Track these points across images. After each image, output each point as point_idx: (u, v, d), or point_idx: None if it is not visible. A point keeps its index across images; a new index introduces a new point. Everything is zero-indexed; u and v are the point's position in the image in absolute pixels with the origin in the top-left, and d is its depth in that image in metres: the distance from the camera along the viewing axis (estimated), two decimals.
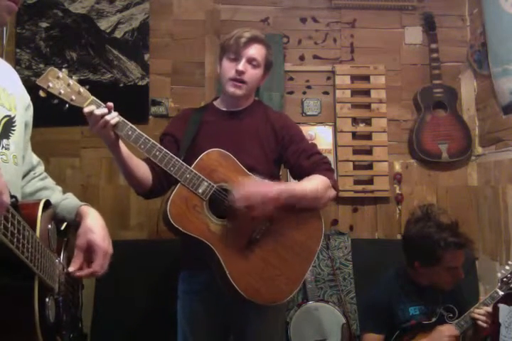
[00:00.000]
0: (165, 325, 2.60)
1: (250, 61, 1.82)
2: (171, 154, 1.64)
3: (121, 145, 1.62)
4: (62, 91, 1.41)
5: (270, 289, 1.72)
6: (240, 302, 1.72)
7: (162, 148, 1.63)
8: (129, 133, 1.56)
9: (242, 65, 1.80)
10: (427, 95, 2.99)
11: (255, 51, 1.83)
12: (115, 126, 1.51)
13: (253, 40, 1.82)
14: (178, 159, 1.66)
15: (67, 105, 1.44)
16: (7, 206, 0.80)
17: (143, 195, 1.82)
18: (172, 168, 1.64)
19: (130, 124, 1.56)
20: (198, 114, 1.92)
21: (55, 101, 1.42)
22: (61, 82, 1.40)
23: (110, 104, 1.50)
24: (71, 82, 1.42)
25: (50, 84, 1.38)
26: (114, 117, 1.50)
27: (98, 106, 1.48)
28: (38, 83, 1.37)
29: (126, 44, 2.94)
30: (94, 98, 1.48)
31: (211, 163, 1.73)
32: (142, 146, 1.59)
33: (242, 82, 1.82)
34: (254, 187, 1.64)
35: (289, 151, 1.87)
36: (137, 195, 1.83)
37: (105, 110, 1.48)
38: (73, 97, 1.43)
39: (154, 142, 1.62)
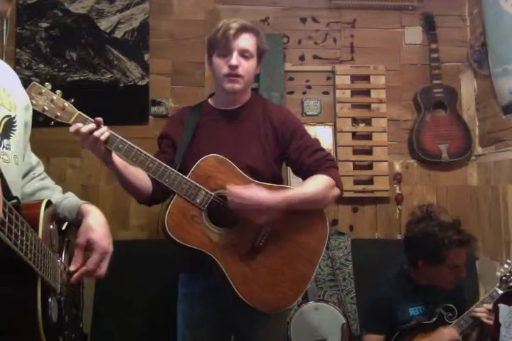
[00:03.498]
0: (165, 325, 2.60)
1: (242, 53, 1.73)
2: (165, 165, 1.60)
3: (115, 157, 1.57)
4: (46, 108, 1.35)
5: (275, 296, 1.70)
6: (243, 307, 1.68)
7: (155, 159, 1.58)
8: (120, 146, 1.51)
9: (234, 59, 1.71)
10: (427, 95, 2.99)
11: (245, 42, 1.73)
12: (106, 140, 1.46)
13: (241, 30, 1.73)
14: (173, 169, 1.61)
15: (52, 122, 1.38)
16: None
17: (144, 204, 1.78)
18: (167, 180, 1.59)
19: (120, 137, 1.51)
20: (194, 114, 1.84)
21: (41, 118, 1.35)
22: (44, 98, 1.35)
23: (99, 118, 1.45)
24: (54, 97, 1.37)
25: (33, 101, 1.31)
26: (103, 132, 1.45)
27: (85, 122, 1.42)
28: None
29: (126, 44, 2.93)
30: (80, 113, 1.43)
31: (208, 169, 1.68)
32: (134, 159, 1.55)
33: (238, 75, 1.73)
34: (251, 192, 1.60)
35: (290, 148, 1.79)
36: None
37: (92, 126, 1.43)
38: (58, 114, 1.38)
39: (147, 154, 1.57)
